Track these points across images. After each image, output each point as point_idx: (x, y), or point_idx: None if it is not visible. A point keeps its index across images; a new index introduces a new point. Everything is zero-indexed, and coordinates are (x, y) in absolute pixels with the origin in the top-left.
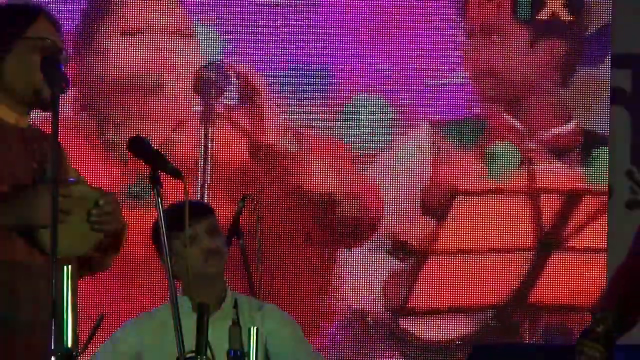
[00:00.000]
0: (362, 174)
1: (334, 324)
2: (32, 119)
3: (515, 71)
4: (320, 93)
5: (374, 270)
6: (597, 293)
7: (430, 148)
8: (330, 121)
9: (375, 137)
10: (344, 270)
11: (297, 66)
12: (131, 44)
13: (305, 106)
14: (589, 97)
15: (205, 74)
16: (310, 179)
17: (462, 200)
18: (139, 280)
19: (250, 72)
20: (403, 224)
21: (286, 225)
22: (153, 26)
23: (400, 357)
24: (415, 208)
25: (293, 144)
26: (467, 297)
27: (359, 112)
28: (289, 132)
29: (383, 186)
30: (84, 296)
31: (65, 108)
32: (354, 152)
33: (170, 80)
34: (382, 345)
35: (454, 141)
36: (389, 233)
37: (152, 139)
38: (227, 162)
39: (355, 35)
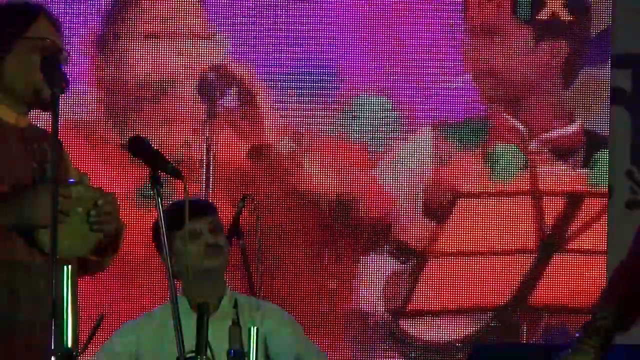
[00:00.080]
0: (363, 175)
1: (334, 325)
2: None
3: (517, 72)
4: (320, 93)
5: (375, 271)
6: (597, 294)
7: (432, 149)
8: (331, 122)
9: (376, 138)
10: (344, 270)
11: (298, 67)
12: (132, 45)
13: (306, 107)
14: (589, 98)
15: (208, 76)
16: (311, 180)
17: (463, 201)
18: (139, 280)
19: (250, 72)
20: (404, 225)
21: (286, 225)
22: (154, 27)
23: (401, 358)
24: (416, 209)
25: (293, 144)
26: (467, 298)
27: (360, 113)
28: (289, 132)
29: (384, 187)
30: (84, 296)
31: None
32: (354, 153)
33: (171, 81)
34: (382, 346)
35: (455, 142)
36: (390, 234)
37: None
38: (227, 163)
39: (355, 36)
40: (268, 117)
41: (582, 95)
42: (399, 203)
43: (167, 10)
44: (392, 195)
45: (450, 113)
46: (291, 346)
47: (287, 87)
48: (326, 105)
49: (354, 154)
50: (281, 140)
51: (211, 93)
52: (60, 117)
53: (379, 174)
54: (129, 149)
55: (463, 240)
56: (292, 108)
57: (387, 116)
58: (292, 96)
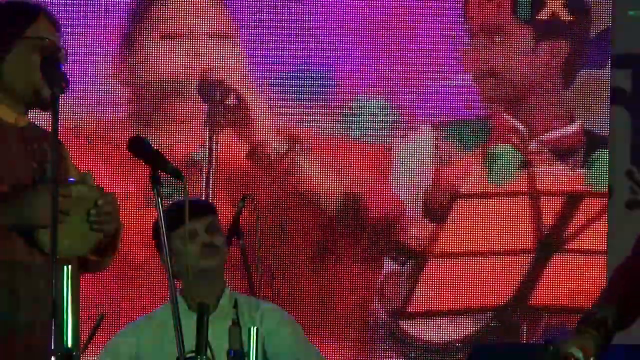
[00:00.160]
0: (363, 175)
1: (334, 325)
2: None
3: (517, 72)
4: (320, 94)
5: (375, 271)
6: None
7: (432, 149)
8: (331, 122)
9: (376, 138)
10: (344, 270)
11: (298, 67)
12: (132, 45)
13: (306, 107)
14: (589, 98)
15: (208, 76)
16: (310, 180)
17: (463, 201)
18: (139, 280)
19: (250, 72)
20: (404, 225)
21: (286, 225)
22: (154, 27)
23: (401, 358)
24: (416, 209)
25: (293, 144)
26: (467, 298)
27: (360, 113)
28: (289, 132)
29: (384, 187)
30: (84, 296)
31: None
32: (354, 153)
33: (171, 81)
34: (382, 346)
35: (455, 142)
36: (389, 234)
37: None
38: (228, 163)
39: (356, 36)
40: (268, 117)
41: (582, 95)
42: (399, 203)
43: (168, 10)
44: (392, 196)
45: (450, 113)
46: (290, 346)
47: (288, 87)
48: (326, 105)
49: (354, 154)
50: (281, 140)
51: (211, 93)
52: (60, 117)
53: (379, 174)
54: (129, 149)
55: (463, 240)
56: (292, 108)
57: (387, 116)
58: (292, 96)
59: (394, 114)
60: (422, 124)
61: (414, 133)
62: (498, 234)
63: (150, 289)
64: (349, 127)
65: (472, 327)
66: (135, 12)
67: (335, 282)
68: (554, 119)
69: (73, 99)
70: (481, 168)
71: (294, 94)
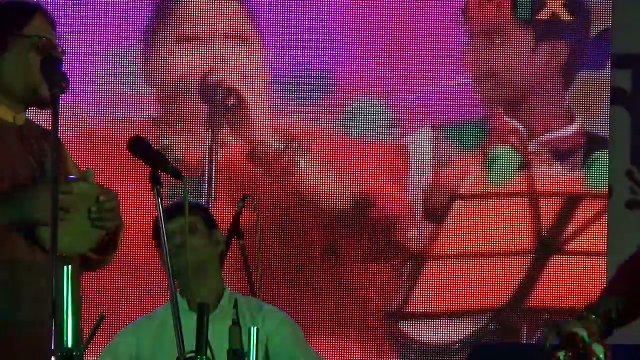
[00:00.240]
0: (362, 175)
1: (333, 325)
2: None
3: (516, 72)
4: (320, 94)
5: (374, 272)
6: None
7: (431, 150)
8: (331, 122)
9: (375, 138)
10: (343, 271)
11: (298, 67)
12: (133, 46)
13: (306, 107)
14: (589, 99)
15: (209, 76)
16: (310, 180)
17: (462, 202)
18: (139, 280)
19: (250, 72)
20: (403, 226)
21: (286, 225)
22: (154, 27)
23: (400, 359)
24: (416, 210)
25: (293, 144)
26: (467, 299)
27: (360, 113)
28: (289, 132)
29: (384, 188)
30: (84, 296)
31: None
32: (354, 153)
33: (172, 82)
34: (381, 347)
35: (455, 143)
36: (389, 234)
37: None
38: (228, 163)
39: (356, 37)
40: (268, 117)
41: (582, 95)
42: (399, 203)
43: (168, 11)
44: (392, 196)
45: (450, 114)
46: (291, 347)
47: (288, 87)
48: (326, 105)
49: (354, 154)
50: (281, 140)
51: (212, 93)
52: (60, 117)
53: (378, 175)
54: (129, 149)
55: (463, 241)
56: (292, 108)
57: (387, 116)
58: (292, 96)
59: (394, 114)
60: (421, 125)
61: (414, 133)
62: (497, 235)
63: (150, 289)
64: (349, 127)
65: (472, 328)
66: (135, 12)
67: (335, 282)
68: (554, 120)
69: (73, 99)
70: (481, 169)
71: (294, 94)
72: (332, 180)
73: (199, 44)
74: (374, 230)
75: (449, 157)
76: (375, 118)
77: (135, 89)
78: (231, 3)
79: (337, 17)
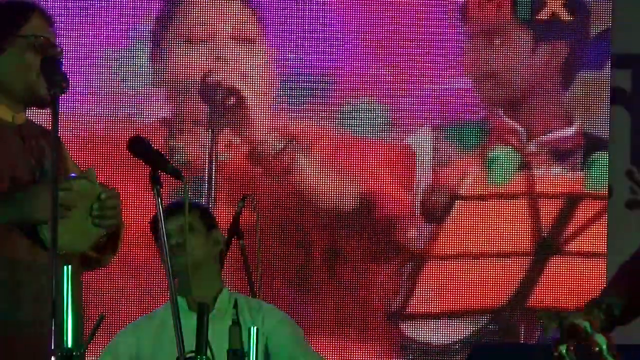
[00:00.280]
0: (362, 176)
1: (333, 325)
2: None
3: (516, 73)
4: (320, 94)
5: (374, 272)
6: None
7: (431, 150)
8: (331, 122)
9: (375, 138)
10: (343, 271)
11: (298, 67)
12: (133, 46)
13: (306, 107)
14: (589, 99)
15: (209, 76)
16: (310, 180)
17: (462, 202)
18: (139, 280)
19: (250, 72)
20: (403, 226)
21: (286, 225)
22: (154, 27)
23: (400, 359)
24: (415, 210)
25: (293, 144)
26: (466, 299)
27: (359, 114)
28: (289, 132)
29: (383, 188)
30: (84, 296)
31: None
32: (354, 153)
33: (172, 82)
34: (381, 348)
35: (454, 143)
36: (389, 234)
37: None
38: (228, 163)
39: (356, 37)
40: (268, 117)
41: (582, 96)
42: (399, 204)
43: (167, 10)
44: (392, 196)
45: (449, 114)
46: (290, 346)
47: (288, 87)
48: (326, 105)
49: (354, 154)
50: (281, 140)
51: (212, 93)
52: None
53: (378, 175)
54: (129, 149)
55: (462, 241)
56: (292, 108)
57: (386, 117)
58: (292, 96)
59: (394, 114)
60: (421, 125)
61: (414, 134)
62: (497, 235)
63: (150, 289)
64: (349, 127)
65: (471, 329)
66: (134, 12)
67: (335, 283)
68: (554, 120)
69: (73, 99)
70: (480, 169)
71: (294, 94)
72: (332, 180)
73: (199, 44)
74: (374, 230)
75: (449, 158)
76: (375, 118)
77: (135, 89)
78: (231, 3)
79: (337, 18)
